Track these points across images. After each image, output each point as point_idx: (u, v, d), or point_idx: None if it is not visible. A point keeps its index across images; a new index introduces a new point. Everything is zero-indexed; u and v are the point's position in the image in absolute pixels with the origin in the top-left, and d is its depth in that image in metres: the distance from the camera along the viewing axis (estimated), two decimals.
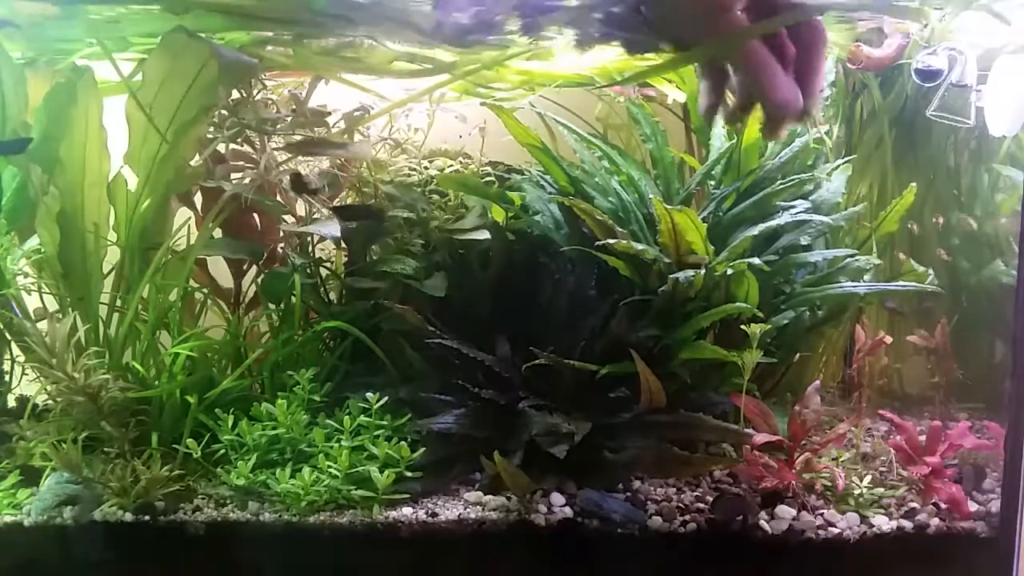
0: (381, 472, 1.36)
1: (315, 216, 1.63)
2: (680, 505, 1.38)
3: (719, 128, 1.63)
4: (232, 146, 1.64)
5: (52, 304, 1.60)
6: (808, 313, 1.59)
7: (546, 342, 1.46)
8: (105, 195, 1.57)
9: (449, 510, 1.37)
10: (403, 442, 1.39)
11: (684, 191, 1.64)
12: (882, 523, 1.34)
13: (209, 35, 1.57)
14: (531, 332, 1.49)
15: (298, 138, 1.63)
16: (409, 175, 1.69)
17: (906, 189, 1.65)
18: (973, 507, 1.37)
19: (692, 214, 1.42)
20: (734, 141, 1.58)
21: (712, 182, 1.62)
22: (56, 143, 1.51)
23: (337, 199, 1.69)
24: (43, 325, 1.49)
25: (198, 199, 1.70)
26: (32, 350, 1.40)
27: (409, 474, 1.37)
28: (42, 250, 1.52)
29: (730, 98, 1.10)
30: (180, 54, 1.46)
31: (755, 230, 1.46)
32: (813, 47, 1.11)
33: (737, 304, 1.42)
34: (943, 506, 1.36)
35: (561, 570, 1.38)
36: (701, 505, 1.38)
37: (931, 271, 1.65)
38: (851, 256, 1.57)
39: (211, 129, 1.58)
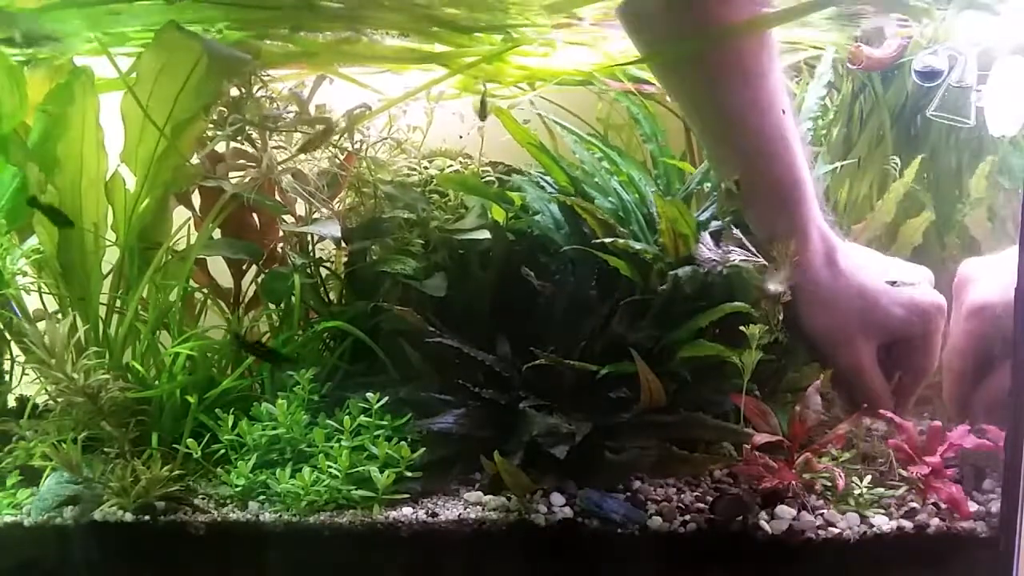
0: (381, 472, 1.36)
1: (315, 216, 1.63)
2: (680, 505, 1.38)
3: None
4: (232, 144, 1.64)
5: (52, 304, 1.59)
6: None
7: (546, 342, 1.46)
8: (103, 194, 1.57)
9: (449, 510, 1.37)
10: (403, 442, 1.39)
11: (683, 191, 1.64)
12: (882, 523, 1.34)
13: (206, 29, 1.58)
14: (531, 332, 1.49)
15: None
16: (409, 175, 1.69)
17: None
18: (973, 507, 1.37)
19: (682, 206, 1.43)
20: None
21: (710, 183, 1.62)
22: (54, 142, 1.51)
23: (336, 198, 1.69)
24: (43, 325, 1.49)
25: (197, 198, 1.70)
26: (32, 350, 1.40)
27: (409, 474, 1.37)
28: (41, 250, 1.52)
29: None
30: (174, 50, 1.46)
31: None
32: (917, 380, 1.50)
33: (735, 303, 1.42)
34: (943, 506, 1.36)
35: (561, 570, 1.38)
36: (701, 505, 1.38)
37: None
38: None
39: (211, 127, 1.58)
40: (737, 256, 1.41)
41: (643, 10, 1.41)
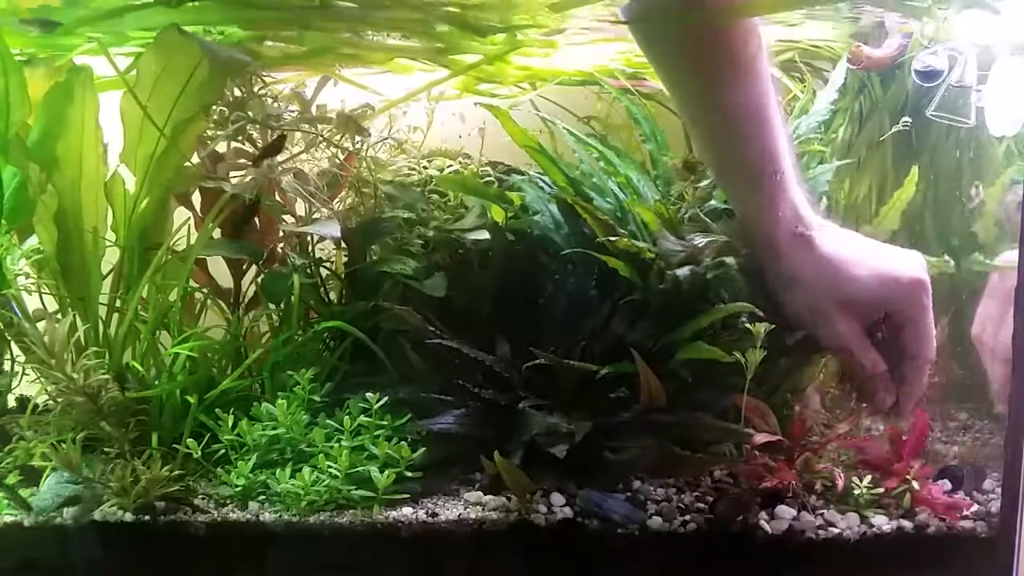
0: (381, 472, 1.36)
1: (315, 216, 1.63)
2: (680, 505, 1.39)
3: None
4: (234, 145, 1.64)
5: (52, 304, 1.59)
6: None
7: (546, 342, 1.46)
8: (103, 194, 1.57)
9: (449, 510, 1.37)
10: (403, 442, 1.39)
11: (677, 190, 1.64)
12: (882, 523, 1.35)
13: (207, 30, 1.58)
14: (531, 332, 1.49)
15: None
16: (408, 175, 1.69)
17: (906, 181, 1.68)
18: (974, 507, 1.37)
19: (658, 209, 1.45)
20: None
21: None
22: (54, 142, 1.51)
23: (336, 198, 1.69)
24: (43, 325, 1.49)
25: (197, 199, 1.70)
26: (32, 350, 1.40)
27: (409, 474, 1.38)
28: (41, 250, 1.52)
29: None
30: (174, 52, 1.46)
31: None
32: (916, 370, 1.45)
33: (737, 304, 1.42)
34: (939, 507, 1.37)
35: (561, 570, 1.38)
36: (701, 505, 1.39)
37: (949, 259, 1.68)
38: None
39: (211, 127, 1.58)
40: (699, 240, 1.41)
41: (646, 7, 1.41)
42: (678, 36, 1.41)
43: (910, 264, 1.47)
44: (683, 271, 1.42)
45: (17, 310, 1.50)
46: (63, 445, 1.37)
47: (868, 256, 1.47)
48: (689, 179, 1.52)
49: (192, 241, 1.64)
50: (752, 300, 1.42)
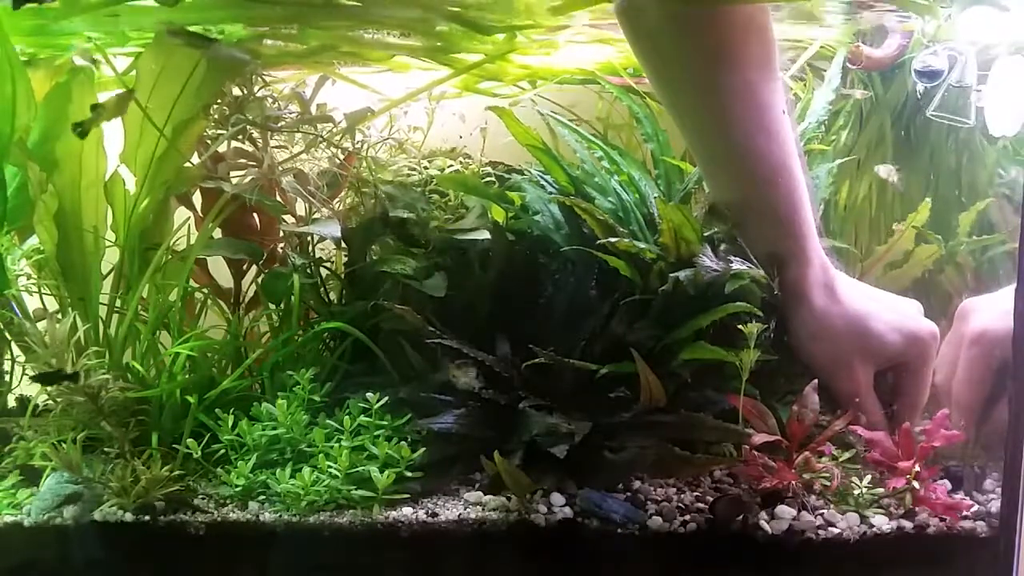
0: (381, 472, 1.36)
1: (315, 216, 1.63)
2: (680, 505, 1.38)
3: None
4: (234, 144, 1.64)
5: (52, 304, 1.59)
6: None
7: (546, 342, 1.46)
8: (103, 194, 1.57)
9: (449, 510, 1.37)
10: (403, 442, 1.39)
11: (682, 191, 1.64)
12: (882, 523, 1.34)
13: (207, 30, 1.58)
14: (531, 332, 1.49)
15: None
16: (409, 175, 1.69)
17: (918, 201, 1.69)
18: (974, 507, 1.37)
19: (686, 211, 1.44)
20: None
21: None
22: (54, 142, 1.51)
23: (336, 198, 1.69)
24: (43, 325, 1.49)
25: (197, 199, 1.70)
26: (32, 350, 1.40)
27: (409, 474, 1.38)
28: (41, 250, 1.52)
29: None
30: (174, 51, 1.46)
31: None
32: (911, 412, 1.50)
33: (737, 304, 1.42)
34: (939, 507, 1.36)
35: (561, 570, 1.38)
36: (701, 505, 1.38)
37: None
38: None
39: (212, 127, 1.58)
40: (737, 264, 1.42)
41: (638, 3, 1.41)
42: (673, 33, 1.41)
43: (922, 319, 1.51)
44: (686, 272, 1.42)
45: (17, 310, 1.50)
46: (63, 445, 1.37)
47: (885, 310, 1.51)
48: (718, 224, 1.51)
49: (192, 241, 1.64)
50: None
